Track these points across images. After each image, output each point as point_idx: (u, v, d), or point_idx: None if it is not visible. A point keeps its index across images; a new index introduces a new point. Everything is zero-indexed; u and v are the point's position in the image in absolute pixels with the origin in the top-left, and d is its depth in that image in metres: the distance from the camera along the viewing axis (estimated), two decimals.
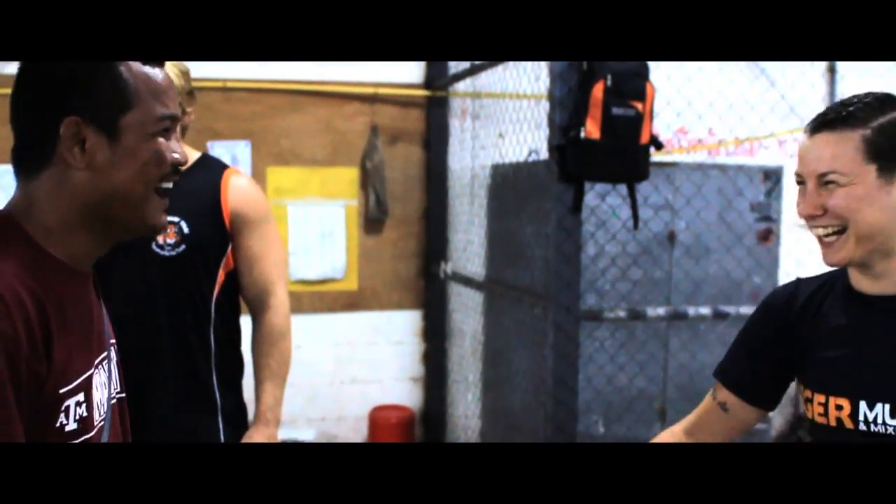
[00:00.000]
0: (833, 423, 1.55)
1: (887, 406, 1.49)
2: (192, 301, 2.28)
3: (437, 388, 5.18)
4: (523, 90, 3.95)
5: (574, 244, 3.15)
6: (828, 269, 1.65)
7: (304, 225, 4.95)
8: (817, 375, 1.60)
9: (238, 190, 2.34)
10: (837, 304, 1.61)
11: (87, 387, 1.20)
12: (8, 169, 1.28)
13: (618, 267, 4.02)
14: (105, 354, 1.29)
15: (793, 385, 1.73)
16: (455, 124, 5.06)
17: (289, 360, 2.41)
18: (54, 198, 1.20)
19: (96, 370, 1.24)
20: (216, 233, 2.30)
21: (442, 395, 5.18)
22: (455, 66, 4.84)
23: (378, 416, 5.07)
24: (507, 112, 4.21)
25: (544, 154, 3.35)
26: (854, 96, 1.52)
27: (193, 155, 2.34)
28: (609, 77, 2.96)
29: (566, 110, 3.06)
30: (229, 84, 4.73)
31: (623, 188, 3.42)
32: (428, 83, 5.07)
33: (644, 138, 3.05)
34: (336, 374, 5.11)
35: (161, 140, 1.24)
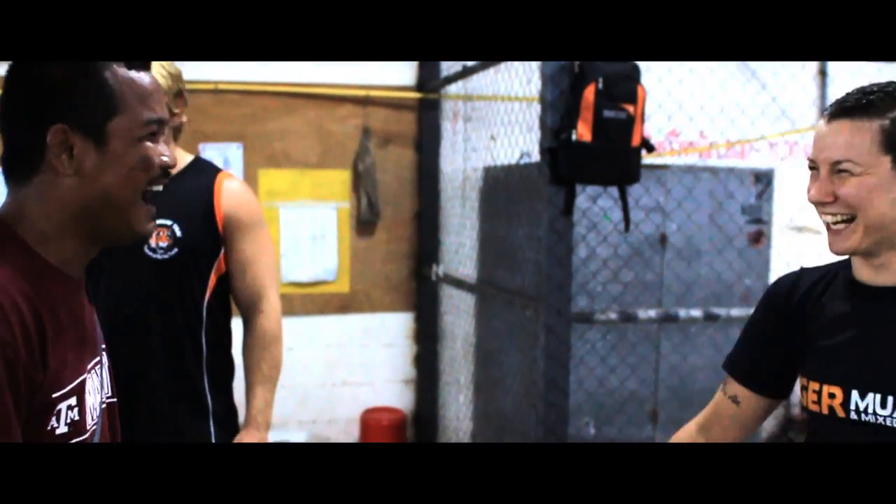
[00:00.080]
0: (825, 410, 1.56)
1: (878, 396, 1.49)
2: (184, 304, 2.27)
3: (429, 390, 5.19)
4: (515, 93, 3.95)
5: (565, 246, 3.15)
6: (826, 261, 1.66)
7: (295, 227, 4.95)
8: (813, 363, 1.61)
9: (231, 194, 2.33)
10: (838, 294, 1.61)
11: (80, 391, 1.21)
12: None
13: (609, 269, 4.03)
14: (97, 359, 1.30)
15: None
16: (447, 127, 5.07)
17: (280, 364, 2.41)
18: (45, 205, 1.20)
19: (89, 375, 1.25)
20: (209, 236, 2.30)
21: (433, 397, 5.18)
22: (447, 69, 4.84)
23: (370, 419, 5.07)
24: (498, 114, 4.22)
25: (536, 156, 3.36)
26: (875, 85, 1.50)
27: (186, 158, 2.34)
28: (600, 80, 2.96)
29: (557, 113, 3.06)
30: (221, 86, 4.73)
31: (614, 190, 3.43)
32: (420, 86, 5.08)
33: (635, 141, 3.05)
34: (328, 376, 5.11)
35: (148, 144, 1.24)
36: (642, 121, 3.07)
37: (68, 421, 1.17)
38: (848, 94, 1.51)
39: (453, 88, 4.89)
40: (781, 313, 1.68)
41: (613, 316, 3.58)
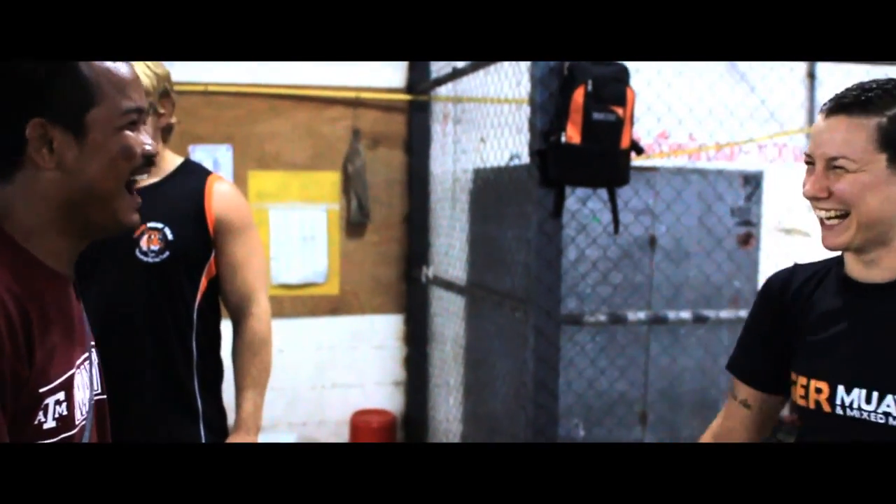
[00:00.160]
0: (812, 405, 1.57)
1: (863, 391, 1.50)
2: (174, 307, 2.27)
3: (419, 392, 5.18)
4: (504, 95, 3.96)
5: (555, 248, 3.16)
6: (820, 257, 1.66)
7: (285, 229, 4.94)
8: (802, 358, 1.62)
9: (222, 197, 2.33)
10: (829, 290, 1.62)
11: (68, 386, 1.20)
12: None
13: (598, 271, 4.04)
14: (86, 355, 1.29)
15: None
16: (437, 129, 5.07)
17: (270, 368, 2.40)
18: (29, 200, 1.20)
19: (78, 370, 1.24)
20: (200, 239, 2.29)
21: (423, 399, 5.18)
22: (437, 71, 4.85)
23: (359, 421, 5.07)
24: (488, 116, 4.22)
25: (525, 158, 3.36)
26: (874, 81, 1.50)
27: (175, 160, 2.33)
28: (590, 82, 2.97)
29: (547, 115, 3.06)
30: (211, 88, 4.72)
31: (604, 193, 3.43)
32: (410, 87, 5.08)
33: (624, 143, 3.06)
34: (317, 378, 5.10)
35: (129, 133, 1.24)
36: (631, 123, 3.08)
37: (56, 416, 1.17)
38: (847, 90, 1.51)
39: (443, 90, 4.89)
40: (776, 309, 1.69)
41: (603, 318, 3.59)
